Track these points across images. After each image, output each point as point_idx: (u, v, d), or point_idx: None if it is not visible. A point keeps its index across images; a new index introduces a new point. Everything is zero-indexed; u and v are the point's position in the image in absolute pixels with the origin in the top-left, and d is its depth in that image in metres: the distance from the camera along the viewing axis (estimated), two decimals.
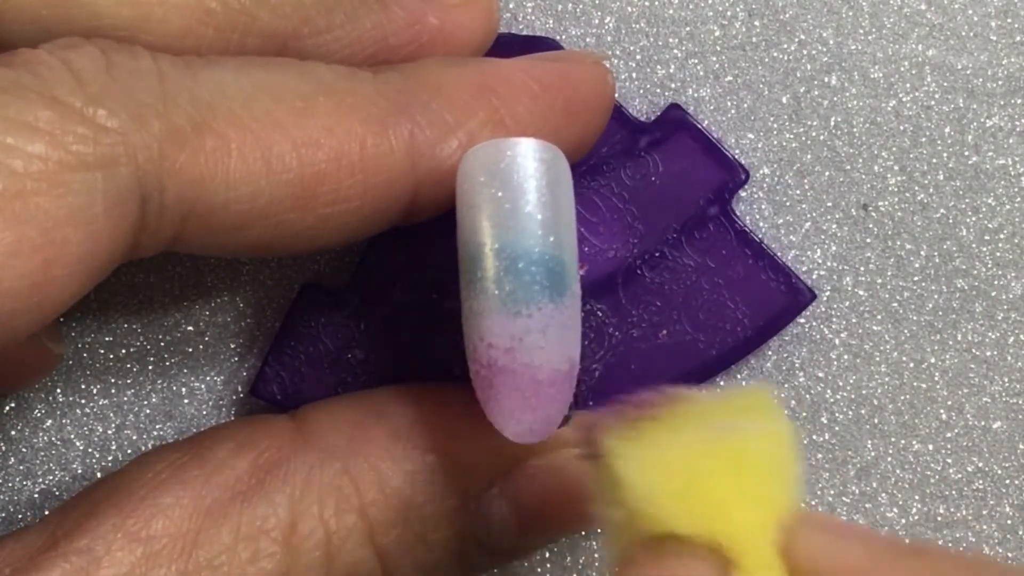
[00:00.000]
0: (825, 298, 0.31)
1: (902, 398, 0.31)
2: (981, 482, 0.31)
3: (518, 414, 0.24)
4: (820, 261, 0.32)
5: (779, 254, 0.30)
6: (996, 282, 0.32)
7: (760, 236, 0.30)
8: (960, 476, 0.31)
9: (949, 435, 0.31)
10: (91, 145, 0.22)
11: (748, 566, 0.21)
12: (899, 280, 0.32)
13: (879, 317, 0.32)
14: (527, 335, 0.24)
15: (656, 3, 0.32)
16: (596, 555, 0.31)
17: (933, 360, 0.31)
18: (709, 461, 0.21)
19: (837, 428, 0.31)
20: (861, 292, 0.32)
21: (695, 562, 0.21)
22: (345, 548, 0.26)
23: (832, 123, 0.32)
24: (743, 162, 0.31)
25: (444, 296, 0.30)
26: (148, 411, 0.31)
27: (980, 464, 0.31)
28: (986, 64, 0.32)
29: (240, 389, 0.31)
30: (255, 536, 0.25)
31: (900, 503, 0.31)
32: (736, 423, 0.22)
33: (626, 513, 0.21)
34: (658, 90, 0.32)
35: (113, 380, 0.31)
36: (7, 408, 0.31)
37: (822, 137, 0.32)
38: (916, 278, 0.32)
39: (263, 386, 0.30)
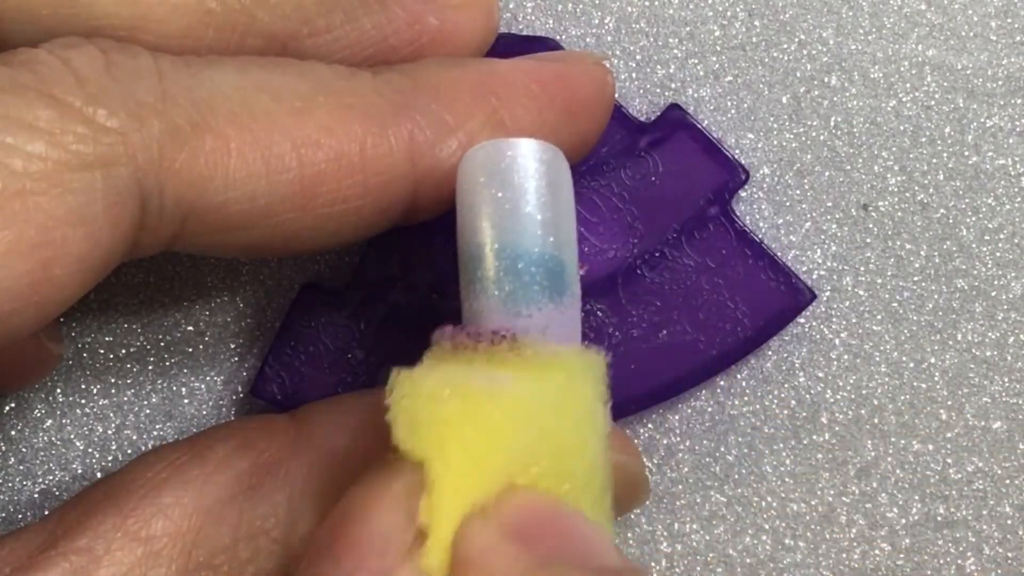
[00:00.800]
0: (825, 298, 0.31)
1: (902, 398, 0.31)
2: (981, 482, 0.31)
3: None
4: (820, 261, 0.32)
5: (779, 254, 0.30)
6: (996, 282, 0.32)
7: (760, 236, 0.30)
8: (960, 476, 0.31)
9: (949, 435, 0.31)
10: (91, 145, 0.22)
11: (439, 500, 0.21)
12: (899, 280, 0.32)
13: (879, 317, 0.32)
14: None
15: (656, 3, 0.32)
16: None
17: (933, 360, 0.31)
18: (457, 396, 0.22)
19: (837, 428, 0.31)
20: (861, 292, 0.32)
21: (399, 475, 0.21)
22: None
23: (832, 123, 0.32)
24: (743, 162, 0.31)
25: (444, 296, 0.30)
26: (148, 411, 0.31)
27: (980, 464, 0.31)
28: (986, 64, 0.32)
29: (240, 389, 0.31)
30: (255, 535, 0.25)
31: (900, 503, 0.31)
32: (513, 376, 0.23)
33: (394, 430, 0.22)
34: (658, 90, 0.32)
35: (113, 380, 0.31)
36: (7, 408, 0.31)
37: (822, 137, 0.32)
38: (916, 278, 0.32)
39: (263, 386, 0.30)
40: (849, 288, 0.32)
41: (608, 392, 0.23)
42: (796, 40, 0.32)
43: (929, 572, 0.31)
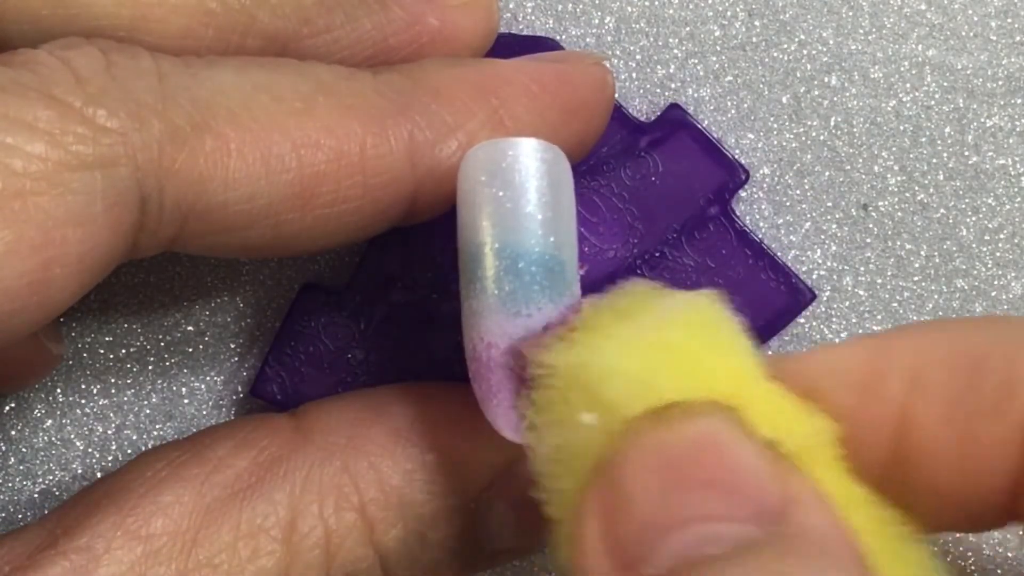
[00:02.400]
0: (825, 298, 0.31)
1: None
2: None
3: (517, 414, 0.24)
4: (820, 261, 0.32)
5: (779, 254, 0.30)
6: (996, 282, 0.32)
7: (760, 236, 0.30)
8: None
9: None
10: (91, 145, 0.22)
11: (754, 410, 0.20)
12: (899, 280, 0.32)
13: (879, 317, 0.32)
14: (527, 335, 0.24)
15: (656, 3, 0.32)
16: None
17: None
18: (662, 336, 0.21)
19: None
20: (861, 292, 0.32)
21: (705, 418, 0.20)
22: (344, 546, 0.26)
23: (832, 123, 0.32)
24: (743, 162, 0.31)
25: (444, 296, 0.30)
26: (148, 411, 0.31)
27: None
28: (986, 64, 0.32)
29: (240, 389, 0.31)
30: (255, 534, 0.25)
31: None
32: (654, 303, 0.22)
33: (599, 414, 0.21)
34: (658, 90, 0.32)
35: (113, 380, 0.31)
36: (7, 408, 0.31)
37: (822, 137, 0.32)
38: (916, 278, 0.32)
39: (263, 386, 0.30)
40: (849, 288, 0.32)
41: None
42: (796, 40, 0.32)
43: None
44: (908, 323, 0.26)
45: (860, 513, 0.21)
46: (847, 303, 0.32)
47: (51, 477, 0.31)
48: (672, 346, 0.21)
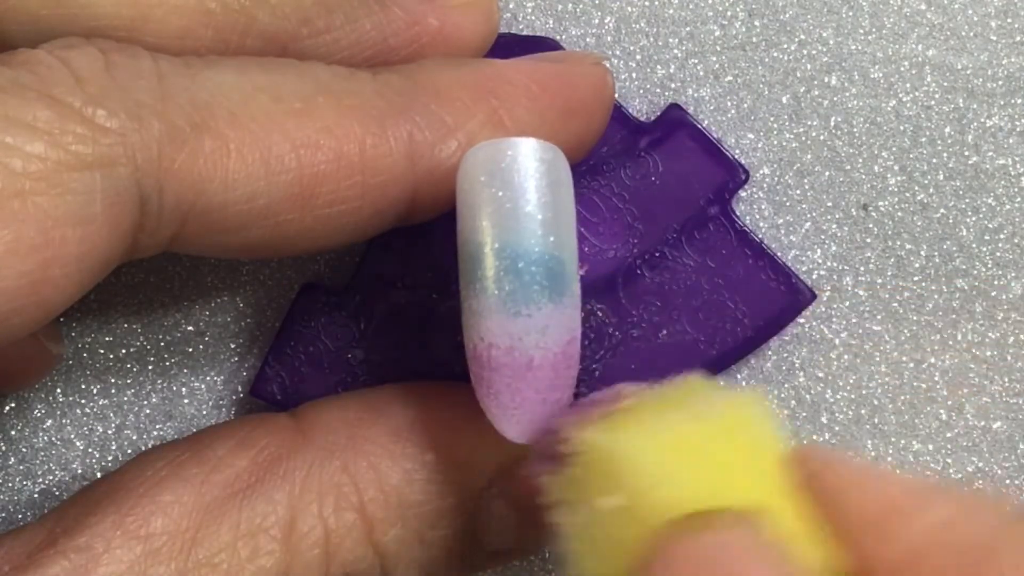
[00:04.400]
0: (825, 298, 0.31)
1: (902, 398, 0.31)
2: (981, 482, 0.31)
3: (517, 414, 0.24)
4: (820, 261, 0.32)
5: (779, 254, 0.30)
6: (996, 282, 0.32)
7: (760, 236, 0.30)
8: (960, 476, 0.31)
9: (949, 435, 0.31)
10: (90, 145, 0.22)
11: (779, 521, 0.21)
12: (899, 280, 0.32)
13: (879, 317, 0.32)
14: (527, 335, 0.24)
15: (656, 3, 0.32)
16: None
17: (933, 360, 0.31)
18: (700, 434, 0.21)
19: (837, 428, 0.31)
20: (861, 292, 0.32)
21: (731, 530, 0.20)
22: (344, 546, 0.26)
23: (832, 123, 0.32)
24: (743, 162, 0.31)
25: (444, 296, 0.30)
26: (148, 411, 0.31)
27: (980, 464, 0.31)
28: (986, 64, 0.32)
29: (240, 389, 0.31)
30: (254, 534, 0.25)
31: None
32: (700, 399, 0.22)
33: (627, 500, 0.21)
34: (658, 90, 0.32)
35: (113, 380, 0.31)
36: (7, 408, 0.31)
37: (822, 137, 0.32)
38: (916, 278, 0.32)
39: (263, 386, 0.30)
40: (849, 288, 0.32)
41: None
42: (796, 40, 0.32)
43: None
44: (935, 482, 0.26)
45: None
46: (847, 303, 0.32)
47: (51, 477, 0.31)
48: (704, 445, 0.21)
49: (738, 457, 0.21)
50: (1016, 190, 0.32)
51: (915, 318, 0.32)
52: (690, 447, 0.21)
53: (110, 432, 0.31)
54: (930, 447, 0.31)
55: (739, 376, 0.31)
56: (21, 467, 0.31)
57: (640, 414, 0.22)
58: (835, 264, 0.32)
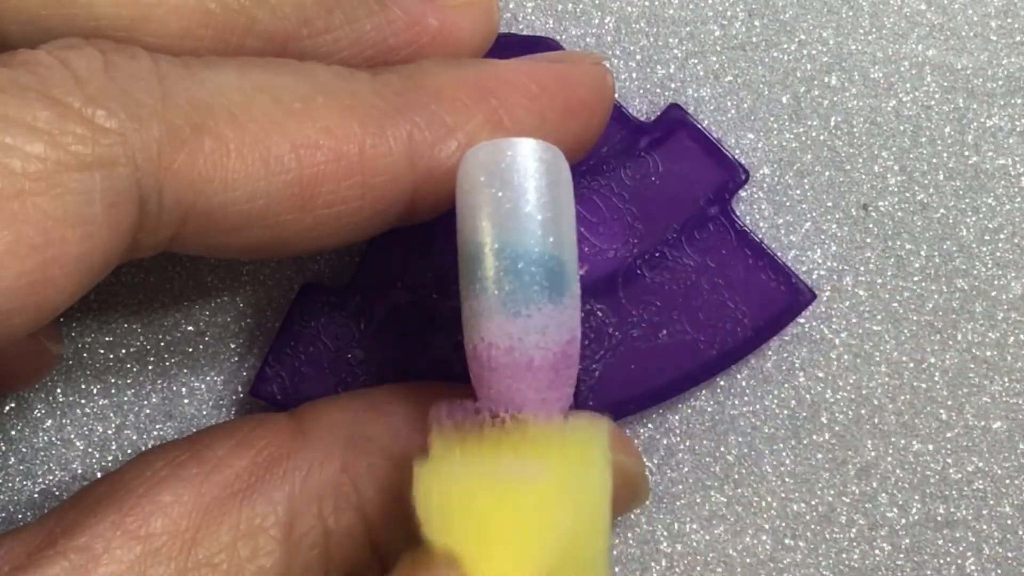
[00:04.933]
0: (825, 298, 0.31)
1: (902, 398, 0.31)
2: (981, 482, 0.31)
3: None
4: (820, 261, 0.32)
5: (779, 254, 0.30)
6: (996, 282, 0.32)
7: (760, 236, 0.30)
8: (960, 476, 0.31)
9: (949, 435, 0.31)
10: (90, 145, 0.22)
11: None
12: (899, 280, 0.32)
13: (879, 317, 0.32)
14: (527, 335, 0.24)
15: (656, 3, 0.32)
16: None
17: (933, 360, 0.31)
18: (489, 492, 0.23)
19: (837, 428, 0.31)
20: (861, 292, 0.32)
21: (435, 571, 0.22)
22: (343, 546, 0.26)
23: (832, 123, 0.32)
24: (743, 162, 0.31)
25: (444, 296, 0.30)
26: (148, 411, 0.31)
27: (980, 464, 0.31)
28: (986, 64, 0.32)
29: (240, 389, 0.31)
30: (254, 534, 0.25)
31: (900, 503, 0.31)
32: (538, 466, 0.23)
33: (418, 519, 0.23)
34: (658, 90, 0.32)
35: (113, 380, 0.31)
36: (7, 408, 0.31)
37: (822, 137, 0.32)
38: (916, 278, 0.32)
39: (263, 386, 0.30)
40: (849, 288, 0.32)
41: (609, 455, 0.24)
42: (796, 40, 0.32)
43: (929, 572, 0.31)
44: None
45: None
46: (847, 303, 0.32)
47: (51, 477, 0.31)
48: (482, 503, 0.23)
49: (505, 523, 0.22)
50: (1016, 190, 0.32)
51: (915, 318, 0.32)
52: (471, 494, 0.22)
53: (110, 432, 0.31)
54: (930, 447, 0.31)
55: (739, 376, 0.31)
56: (21, 467, 0.31)
57: (475, 447, 0.23)
58: (835, 264, 0.32)
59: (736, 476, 0.31)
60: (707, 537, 0.31)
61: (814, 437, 0.31)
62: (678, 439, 0.31)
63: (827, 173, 0.32)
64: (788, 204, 0.32)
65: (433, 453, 0.23)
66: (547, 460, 0.23)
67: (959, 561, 0.31)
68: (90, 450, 0.31)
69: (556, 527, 0.23)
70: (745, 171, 0.30)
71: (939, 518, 0.31)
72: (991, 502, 0.31)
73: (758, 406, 0.31)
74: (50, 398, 0.31)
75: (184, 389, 0.31)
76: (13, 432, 0.31)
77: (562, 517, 0.23)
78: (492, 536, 0.22)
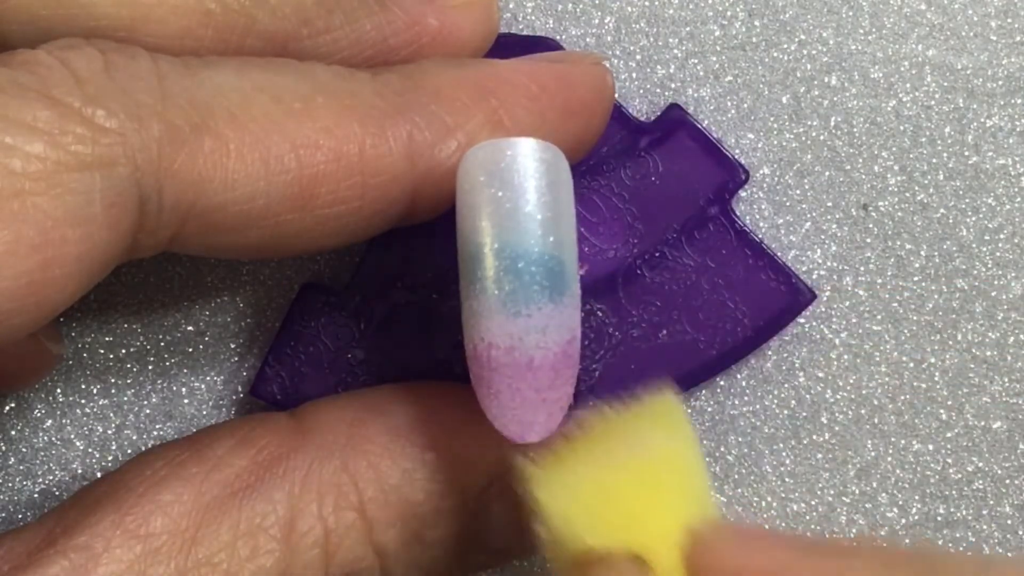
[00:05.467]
0: (825, 298, 0.31)
1: (902, 398, 0.31)
2: (981, 482, 0.31)
3: (517, 414, 0.24)
4: (820, 261, 0.32)
5: (779, 254, 0.30)
6: (996, 282, 0.32)
7: (760, 236, 0.30)
8: (960, 476, 0.31)
9: (949, 435, 0.31)
10: (89, 145, 0.22)
11: (660, 571, 0.22)
12: (899, 280, 0.32)
13: (879, 317, 0.32)
14: (527, 335, 0.24)
15: (656, 3, 0.32)
16: None
17: (933, 360, 0.31)
18: (618, 478, 0.23)
19: (837, 428, 0.31)
20: (861, 292, 0.32)
21: (614, 572, 0.22)
22: (343, 545, 0.26)
23: (832, 123, 0.32)
24: (743, 162, 0.31)
25: (444, 296, 0.30)
26: (148, 411, 0.31)
27: (980, 464, 0.31)
28: (986, 64, 0.32)
29: (240, 389, 0.31)
30: (254, 533, 0.25)
31: (900, 503, 0.31)
32: (641, 439, 0.23)
33: (549, 534, 0.23)
34: (658, 90, 0.32)
35: (113, 380, 0.31)
36: (7, 408, 0.31)
37: (822, 137, 0.32)
38: (916, 278, 0.32)
39: (263, 386, 0.30)
40: (849, 288, 0.32)
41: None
42: (796, 40, 0.32)
43: None
44: (838, 543, 0.26)
45: None
46: (847, 303, 0.32)
47: (51, 477, 0.31)
48: (618, 490, 0.23)
49: (648, 500, 0.23)
50: (1016, 190, 0.32)
51: (915, 318, 0.32)
52: (605, 487, 0.23)
53: (110, 432, 0.31)
54: (930, 447, 0.31)
55: (739, 376, 0.31)
56: (21, 467, 0.31)
57: (574, 448, 0.24)
58: (835, 264, 0.32)
59: (736, 476, 0.31)
60: None
61: (814, 437, 0.31)
62: None
63: (827, 173, 0.32)
64: (788, 204, 0.32)
65: (528, 470, 0.23)
66: (645, 434, 0.24)
67: None
68: (90, 450, 0.31)
69: (683, 485, 0.23)
70: (745, 171, 0.30)
71: (939, 518, 0.31)
72: (991, 502, 0.31)
73: (758, 406, 0.31)
74: (50, 398, 0.31)
75: (184, 389, 0.31)
76: (13, 432, 0.31)
77: (684, 475, 0.23)
78: (647, 520, 0.23)
